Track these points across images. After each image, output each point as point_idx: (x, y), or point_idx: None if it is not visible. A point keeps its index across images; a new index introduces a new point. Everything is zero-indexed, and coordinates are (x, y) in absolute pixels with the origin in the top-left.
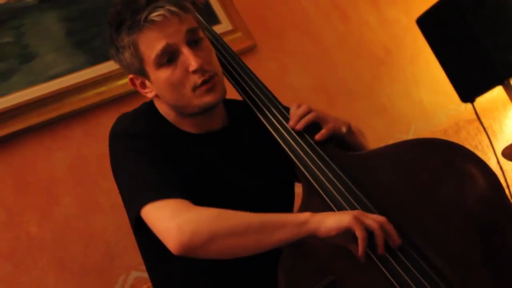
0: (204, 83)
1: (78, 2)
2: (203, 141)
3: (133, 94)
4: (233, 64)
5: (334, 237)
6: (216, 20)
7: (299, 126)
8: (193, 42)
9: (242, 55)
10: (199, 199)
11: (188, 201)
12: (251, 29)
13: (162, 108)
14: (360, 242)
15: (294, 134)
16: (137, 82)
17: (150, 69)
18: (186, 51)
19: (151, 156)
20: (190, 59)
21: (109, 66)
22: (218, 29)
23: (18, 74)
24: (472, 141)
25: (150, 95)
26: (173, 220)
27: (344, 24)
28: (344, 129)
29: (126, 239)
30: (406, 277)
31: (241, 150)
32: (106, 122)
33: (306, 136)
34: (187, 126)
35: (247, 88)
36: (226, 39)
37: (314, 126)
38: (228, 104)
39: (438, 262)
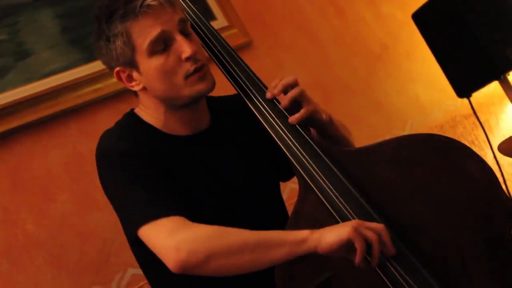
0: (196, 71)
1: None
2: (192, 143)
3: (129, 90)
4: (227, 58)
5: (335, 251)
6: (211, 16)
7: (285, 102)
8: (184, 33)
9: (238, 51)
10: (195, 202)
11: (184, 218)
12: (246, 25)
13: (148, 107)
14: (358, 253)
15: (287, 127)
16: (124, 75)
17: (141, 58)
18: (180, 39)
19: (142, 173)
20: (184, 45)
21: None
22: (213, 25)
23: (14, 72)
24: (468, 136)
25: (137, 87)
26: (170, 240)
27: (340, 20)
28: (324, 116)
29: (123, 236)
30: (400, 278)
31: (228, 148)
32: (102, 119)
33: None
34: (174, 127)
35: (238, 79)
36: (222, 35)
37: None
38: (209, 101)
39: (433, 258)
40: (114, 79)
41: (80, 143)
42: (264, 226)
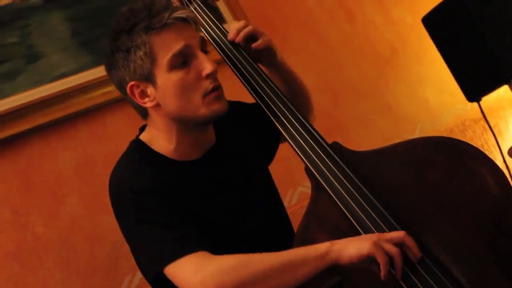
0: (214, 89)
1: (84, 2)
2: (203, 165)
3: (139, 110)
4: (239, 58)
5: (356, 263)
6: (222, 20)
7: (238, 39)
8: (204, 51)
9: None
10: (213, 223)
11: (207, 252)
12: None
13: (159, 129)
14: (382, 267)
15: (303, 132)
16: (137, 90)
17: (160, 72)
18: (201, 55)
19: (161, 211)
20: (205, 62)
21: None
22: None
23: (24, 75)
24: (478, 140)
25: (149, 104)
26: (196, 277)
27: (350, 23)
28: (277, 52)
29: None
30: (413, 277)
31: (235, 159)
32: (112, 122)
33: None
34: (185, 150)
35: (252, 81)
36: None
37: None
38: None
39: (447, 262)
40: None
41: (90, 146)
42: (274, 227)
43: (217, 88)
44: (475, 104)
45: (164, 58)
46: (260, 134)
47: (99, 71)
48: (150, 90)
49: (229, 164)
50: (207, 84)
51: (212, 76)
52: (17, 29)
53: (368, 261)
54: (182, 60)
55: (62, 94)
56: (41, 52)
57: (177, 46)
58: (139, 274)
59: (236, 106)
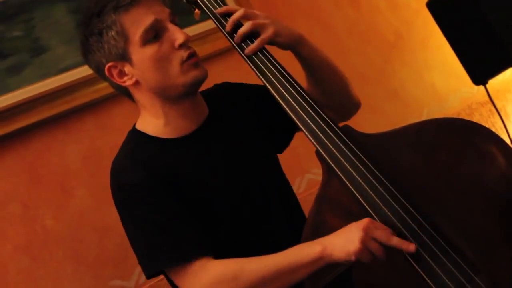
0: (190, 56)
1: None
2: (199, 139)
3: (124, 95)
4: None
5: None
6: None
7: (227, 28)
8: (174, 24)
9: None
10: (215, 203)
11: (206, 258)
12: None
13: (145, 106)
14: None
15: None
16: (115, 71)
17: (134, 48)
18: (171, 27)
19: (161, 206)
20: (176, 33)
21: None
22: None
23: (30, 68)
24: (485, 123)
25: (129, 82)
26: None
27: (354, 9)
28: (287, 37)
29: None
30: (426, 257)
31: (231, 133)
32: (119, 113)
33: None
34: (176, 123)
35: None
36: None
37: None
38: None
39: (459, 242)
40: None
41: (97, 138)
42: (277, 202)
43: (193, 55)
44: (481, 87)
45: (136, 34)
46: (266, 116)
47: None
48: (127, 68)
49: (225, 137)
50: (182, 53)
51: (185, 45)
52: (22, 22)
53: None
54: (154, 34)
55: (68, 87)
56: (46, 45)
57: (147, 21)
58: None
59: (233, 86)
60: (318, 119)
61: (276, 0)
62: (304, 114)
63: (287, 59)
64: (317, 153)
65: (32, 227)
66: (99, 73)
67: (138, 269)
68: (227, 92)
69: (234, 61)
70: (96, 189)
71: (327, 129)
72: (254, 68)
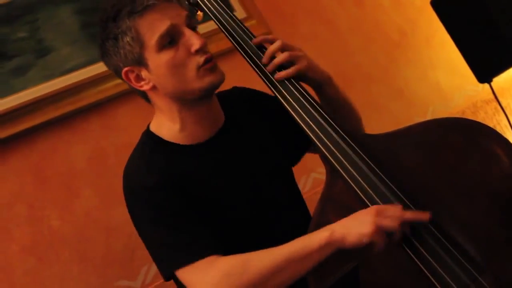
0: (206, 61)
1: None
2: (214, 148)
3: (141, 96)
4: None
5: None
6: (230, 8)
7: (270, 68)
8: (191, 28)
9: None
10: (228, 208)
11: (216, 256)
12: (265, 16)
13: (162, 110)
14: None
15: (317, 116)
16: (132, 75)
17: (150, 54)
18: (188, 32)
19: (174, 209)
20: (193, 38)
21: None
22: None
23: (35, 69)
24: (490, 121)
25: (146, 87)
26: (206, 285)
27: (358, 7)
28: (319, 75)
29: None
30: (430, 258)
31: (247, 141)
32: (124, 113)
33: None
34: (193, 129)
35: (263, 68)
36: None
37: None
38: (218, 97)
39: (463, 242)
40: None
41: (103, 138)
42: (289, 215)
43: (210, 60)
44: (486, 85)
45: (151, 40)
46: (281, 129)
47: None
48: (144, 73)
49: (240, 146)
50: (198, 58)
51: (201, 50)
52: (26, 23)
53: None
54: (170, 40)
55: (73, 88)
56: (50, 46)
57: (163, 26)
58: (155, 266)
59: (250, 93)
60: (321, 120)
61: (280, 0)
62: (306, 115)
63: None
64: (321, 153)
65: (38, 227)
66: (118, 75)
67: (144, 269)
68: (246, 98)
69: (237, 62)
70: (101, 189)
71: (331, 130)
72: (248, 60)
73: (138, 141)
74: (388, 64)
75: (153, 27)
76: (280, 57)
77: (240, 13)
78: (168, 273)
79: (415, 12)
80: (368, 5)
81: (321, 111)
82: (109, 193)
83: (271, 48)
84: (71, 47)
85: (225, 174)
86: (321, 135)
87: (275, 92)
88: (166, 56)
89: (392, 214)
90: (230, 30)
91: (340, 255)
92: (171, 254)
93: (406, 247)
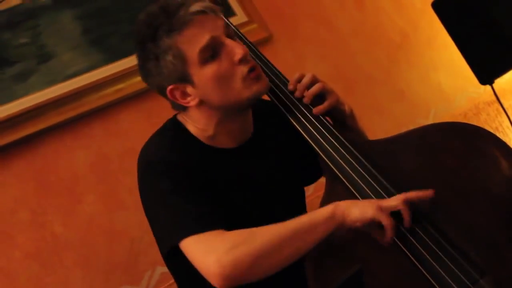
0: (251, 70)
1: (93, 0)
2: (237, 156)
3: (152, 90)
4: (255, 59)
5: (359, 227)
6: (231, 12)
7: (306, 99)
8: (230, 37)
9: (259, 46)
10: (237, 215)
11: (223, 230)
12: (266, 20)
13: (198, 121)
14: (387, 230)
15: (314, 121)
16: (178, 93)
17: (194, 70)
18: (229, 42)
19: (188, 186)
20: (235, 48)
21: (126, 63)
22: (233, 21)
23: (36, 75)
24: (492, 123)
25: (193, 103)
26: (211, 255)
27: (359, 10)
28: (346, 108)
29: (151, 235)
30: (431, 260)
31: (270, 156)
32: (126, 118)
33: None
34: (221, 139)
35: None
36: (242, 31)
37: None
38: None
39: (464, 244)
40: (137, 79)
41: (105, 143)
42: None
43: (254, 69)
44: (488, 87)
45: (193, 55)
46: (301, 149)
47: (111, 69)
48: (189, 89)
49: (261, 161)
50: (242, 68)
51: (244, 59)
52: (28, 29)
53: (370, 225)
54: (212, 53)
55: (75, 93)
56: (52, 51)
57: (203, 40)
58: (159, 270)
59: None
60: (319, 125)
61: (281, 3)
62: (306, 121)
63: None
64: (320, 159)
65: (41, 233)
66: (162, 94)
67: (148, 274)
68: (276, 112)
69: None
70: (104, 195)
71: (330, 136)
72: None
73: (162, 126)
74: (389, 66)
75: (193, 43)
76: (313, 89)
77: (241, 17)
78: (173, 243)
79: (416, 14)
80: (369, 8)
81: (322, 119)
82: (112, 198)
83: (304, 81)
84: (72, 53)
85: (239, 184)
86: (320, 140)
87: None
88: (210, 69)
89: (395, 198)
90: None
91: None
92: (182, 222)
93: (407, 250)
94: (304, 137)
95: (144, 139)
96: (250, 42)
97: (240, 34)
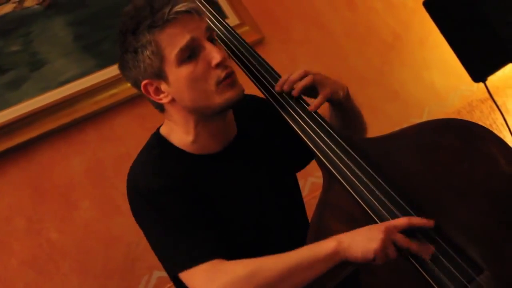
0: (226, 77)
1: (84, 6)
2: (223, 159)
3: (153, 104)
4: (249, 58)
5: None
6: (222, 15)
7: (295, 92)
8: (211, 41)
9: None
10: (232, 219)
11: (220, 260)
12: (258, 22)
13: (177, 122)
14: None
15: (311, 122)
16: (152, 88)
17: (170, 68)
18: (208, 46)
19: (179, 212)
20: (213, 52)
21: None
22: None
23: (29, 82)
24: (486, 120)
25: (165, 100)
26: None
27: (351, 11)
28: (341, 94)
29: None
30: (428, 260)
31: (256, 154)
32: (120, 123)
33: (304, 104)
34: (205, 142)
35: (261, 78)
36: None
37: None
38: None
39: (461, 243)
40: (130, 84)
41: (100, 149)
42: (293, 222)
43: (230, 75)
44: (481, 85)
45: (171, 53)
46: (288, 137)
47: (104, 74)
48: (163, 86)
49: (250, 159)
50: (218, 73)
51: (222, 64)
52: (20, 37)
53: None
54: (190, 53)
55: (68, 100)
56: (44, 58)
57: (183, 40)
58: (156, 274)
59: (261, 101)
60: (314, 125)
61: (273, 5)
62: (300, 119)
63: None
64: (317, 159)
65: (37, 240)
66: (136, 88)
67: (145, 279)
68: (256, 107)
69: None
70: (100, 201)
71: (324, 135)
72: (242, 67)
73: (146, 143)
74: (382, 66)
75: (173, 41)
76: (304, 81)
77: (232, 20)
78: (174, 273)
79: (408, 13)
80: (361, 8)
81: (315, 115)
82: (108, 204)
83: (294, 76)
84: (65, 59)
85: (231, 185)
86: (316, 139)
87: (268, 96)
88: (186, 70)
89: (400, 240)
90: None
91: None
92: (174, 256)
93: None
94: (301, 137)
95: (138, 143)
96: (243, 40)
97: (234, 33)
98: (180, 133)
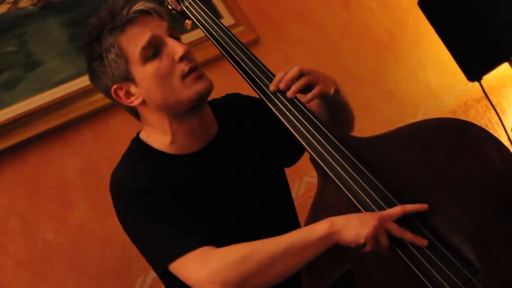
0: (192, 70)
1: (79, 7)
2: (204, 158)
3: (131, 114)
4: (243, 58)
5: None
6: (218, 15)
7: (290, 94)
8: (174, 37)
9: None
10: (217, 218)
11: (211, 246)
12: (253, 22)
13: (153, 124)
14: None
15: (305, 122)
16: (122, 92)
17: (136, 68)
18: (170, 41)
19: (162, 209)
20: (175, 46)
21: None
22: None
23: (24, 82)
24: (481, 119)
25: (136, 102)
26: (201, 274)
27: (346, 11)
28: (332, 91)
29: None
30: (422, 259)
31: (239, 151)
32: (115, 124)
33: (299, 104)
34: (184, 142)
35: (255, 78)
36: None
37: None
38: (212, 105)
39: (456, 242)
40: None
41: (95, 150)
42: (280, 219)
43: (195, 69)
44: (476, 84)
45: (134, 53)
46: (275, 134)
47: None
48: (132, 88)
49: (232, 157)
50: (183, 66)
51: (185, 58)
52: (14, 37)
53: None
54: (153, 51)
55: (63, 100)
56: (39, 59)
57: (144, 38)
58: (151, 274)
59: (244, 100)
60: (309, 125)
61: (268, 5)
62: (295, 119)
63: None
64: (311, 159)
65: (33, 241)
66: (108, 96)
67: (140, 279)
68: (239, 106)
69: (226, 69)
70: (95, 201)
71: (319, 135)
72: (236, 67)
73: (127, 149)
74: (377, 66)
75: (135, 40)
76: (299, 82)
77: (228, 20)
78: (160, 269)
79: (403, 13)
80: (356, 8)
81: (310, 115)
82: (103, 204)
83: (289, 75)
84: (60, 60)
85: (214, 184)
86: (311, 140)
87: (263, 97)
88: (151, 67)
89: (393, 228)
90: (216, 36)
91: (333, 254)
92: (163, 248)
93: (398, 249)
94: (296, 137)
95: None
96: (238, 41)
97: (229, 33)
98: (158, 135)
